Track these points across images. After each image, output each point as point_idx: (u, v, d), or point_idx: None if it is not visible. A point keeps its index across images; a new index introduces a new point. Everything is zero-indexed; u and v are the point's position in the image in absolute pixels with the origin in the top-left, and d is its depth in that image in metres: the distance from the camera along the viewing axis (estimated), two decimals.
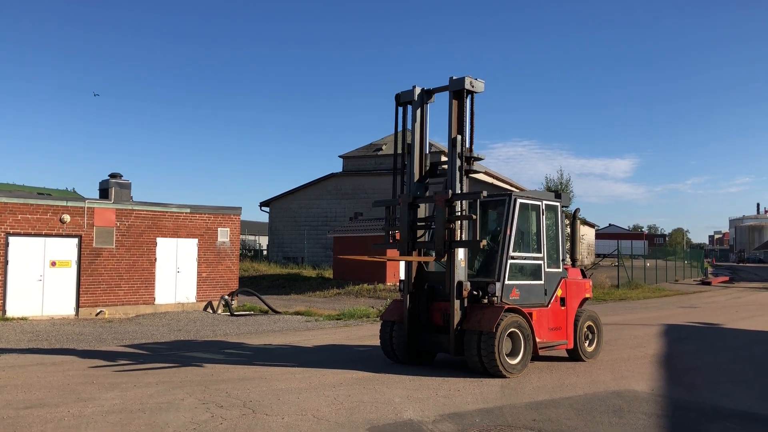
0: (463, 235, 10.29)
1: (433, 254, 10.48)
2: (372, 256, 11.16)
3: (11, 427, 6.69)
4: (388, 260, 10.52)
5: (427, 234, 11.04)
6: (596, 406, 8.05)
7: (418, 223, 10.84)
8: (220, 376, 9.72)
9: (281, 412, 7.50)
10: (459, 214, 10.25)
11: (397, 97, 11.10)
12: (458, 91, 10.49)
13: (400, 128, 11.19)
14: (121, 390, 8.61)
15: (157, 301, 19.92)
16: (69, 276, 18.29)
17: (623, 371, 10.60)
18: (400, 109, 11.17)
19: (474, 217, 9.86)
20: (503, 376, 9.75)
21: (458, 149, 10.37)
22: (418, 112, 10.97)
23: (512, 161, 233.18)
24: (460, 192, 10.28)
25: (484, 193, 10.05)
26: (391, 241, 11.17)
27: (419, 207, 10.85)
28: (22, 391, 8.46)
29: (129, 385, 8.96)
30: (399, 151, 11.22)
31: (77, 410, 7.46)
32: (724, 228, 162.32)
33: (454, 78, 10.48)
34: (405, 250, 10.66)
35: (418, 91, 10.94)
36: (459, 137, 10.42)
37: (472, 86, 10.45)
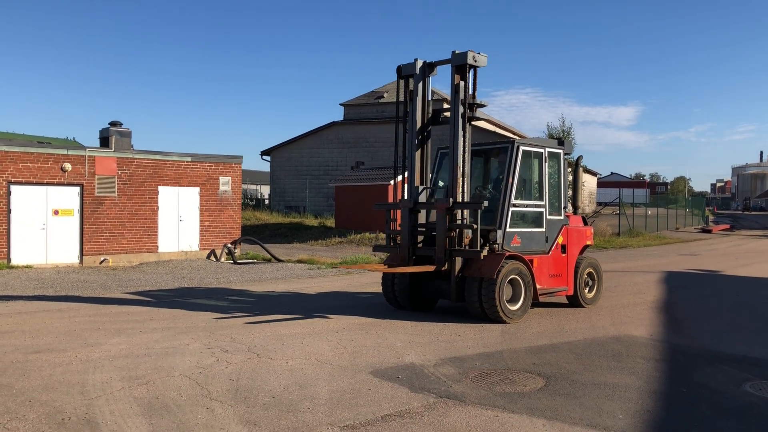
0: (466, 189, 10.21)
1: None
2: (372, 266, 10.99)
3: (21, 371, 6.82)
4: (388, 270, 10.31)
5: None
6: (595, 351, 8.17)
7: (419, 228, 10.75)
8: (225, 321, 9.86)
9: (285, 356, 7.63)
10: (460, 222, 10.19)
11: (399, 69, 10.99)
12: (461, 66, 10.35)
13: (401, 115, 11.08)
14: (127, 336, 8.74)
15: (160, 250, 20.04)
16: (72, 224, 18.36)
17: (623, 317, 10.73)
18: (402, 81, 11.05)
19: (475, 227, 9.86)
20: (504, 322, 9.88)
21: (461, 95, 10.25)
22: (420, 85, 10.88)
23: (515, 109, 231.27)
24: (463, 148, 10.17)
25: (485, 204, 10.01)
26: (392, 244, 11.10)
27: (420, 212, 10.80)
28: (30, 337, 8.59)
29: (134, 331, 9.09)
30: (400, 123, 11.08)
31: (84, 355, 7.59)
32: (727, 176, 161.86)
33: (457, 52, 10.36)
34: (406, 256, 10.59)
35: (420, 64, 10.84)
36: (462, 83, 10.28)
37: (475, 60, 10.32)
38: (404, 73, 10.94)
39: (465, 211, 10.24)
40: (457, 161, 10.17)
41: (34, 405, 5.72)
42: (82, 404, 5.76)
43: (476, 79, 10.44)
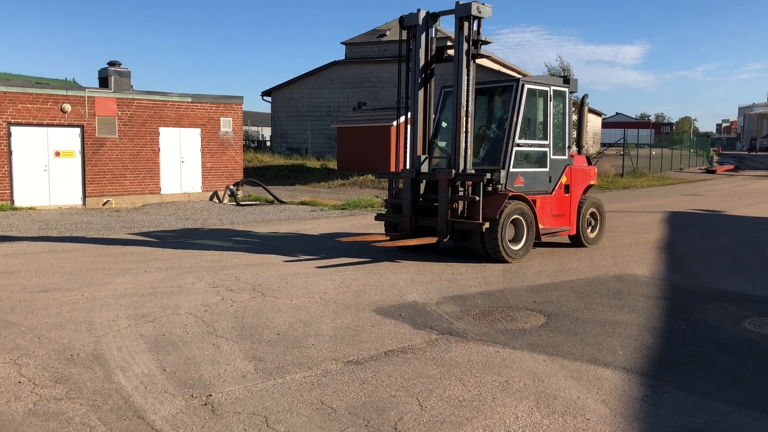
0: (470, 129, 10.10)
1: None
2: (374, 239, 10.84)
3: (29, 309, 6.91)
4: (390, 245, 10.19)
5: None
6: (596, 289, 8.24)
7: (421, 200, 10.60)
8: (229, 261, 9.93)
9: (290, 294, 7.71)
10: (462, 194, 10.04)
11: (401, 20, 10.77)
12: (465, 17, 10.08)
13: (404, 54, 10.87)
14: (132, 275, 8.82)
15: (162, 191, 20.06)
16: (74, 166, 18.32)
17: (624, 256, 10.78)
18: (405, 32, 10.83)
19: (477, 198, 9.73)
20: (506, 262, 9.94)
21: (465, 32, 10.03)
22: (423, 36, 10.63)
23: (519, 48, 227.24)
24: (467, 86, 10.00)
25: (488, 175, 9.88)
26: (392, 212, 10.99)
27: (422, 182, 10.64)
28: (36, 276, 8.68)
29: (139, 270, 9.18)
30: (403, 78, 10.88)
31: (90, 294, 7.67)
32: (733, 117, 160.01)
33: (461, 2, 10.08)
34: (408, 227, 10.48)
35: (423, 14, 10.60)
36: (466, 23, 10.07)
37: (479, 11, 10.06)
38: (407, 23, 10.74)
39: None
40: (461, 101, 10.02)
41: (43, 342, 5.82)
42: (89, 341, 5.85)
43: (480, 28, 10.25)
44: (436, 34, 10.93)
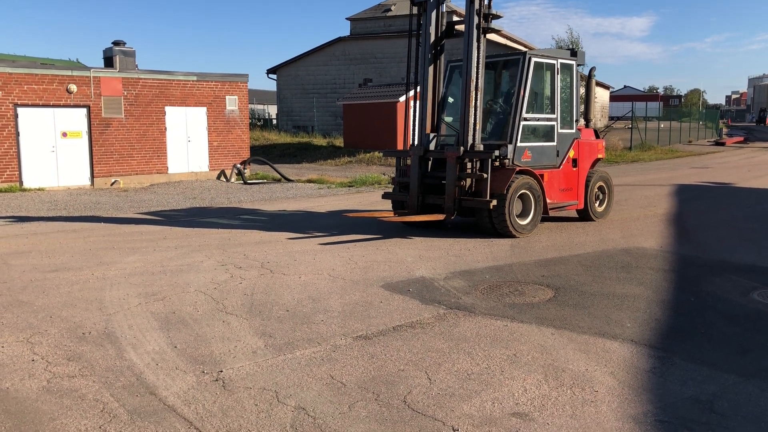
0: (479, 104, 10.03)
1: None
2: (381, 214, 10.85)
3: (40, 289, 6.98)
4: (398, 220, 10.18)
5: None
6: (604, 263, 8.24)
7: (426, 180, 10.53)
8: (237, 239, 9.97)
9: (298, 271, 7.74)
10: (470, 171, 9.96)
11: None
12: None
13: (414, 29, 10.82)
14: (142, 254, 8.87)
15: (170, 171, 20.09)
16: (81, 146, 18.35)
17: (632, 230, 10.75)
18: (415, 9, 10.77)
19: (485, 176, 9.67)
20: (513, 237, 9.93)
21: (476, 5, 9.94)
22: (434, 13, 10.56)
23: (526, 21, 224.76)
24: (477, 60, 9.93)
25: (496, 152, 9.80)
26: (399, 191, 10.92)
27: (430, 160, 10.56)
28: (47, 256, 8.75)
29: (149, 249, 9.23)
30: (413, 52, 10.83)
31: (100, 273, 7.73)
32: (743, 89, 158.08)
33: None
34: (415, 205, 10.42)
35: None
36: None
37: None
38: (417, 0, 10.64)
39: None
40: (471, 75, 9.95)
41: (55, 320, 5.88)
42: (101, 319, 5.91)
43: (491, 2, 10.15)
44: (445, 9, 10.85)
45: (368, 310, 6.17)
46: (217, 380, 4.52)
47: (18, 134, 17.27)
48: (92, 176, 18.54)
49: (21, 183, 17.40)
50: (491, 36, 10.39)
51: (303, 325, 5.73)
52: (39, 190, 17.40)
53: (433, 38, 10.60)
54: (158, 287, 7.05)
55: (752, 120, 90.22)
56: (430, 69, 10.63)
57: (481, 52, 10.04)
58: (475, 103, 9.97)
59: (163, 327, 5.69)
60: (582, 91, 12.48)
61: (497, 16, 10.27)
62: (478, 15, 9.96)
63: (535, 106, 10.78)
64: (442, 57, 10.86)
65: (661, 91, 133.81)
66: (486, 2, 10.06)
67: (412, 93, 11.02)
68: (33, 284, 7.21)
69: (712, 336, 5.45)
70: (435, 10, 10.59)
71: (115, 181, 18.89)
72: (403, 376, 4.59)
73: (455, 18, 11.00)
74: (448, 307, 6.29)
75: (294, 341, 5.31)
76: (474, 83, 9.93)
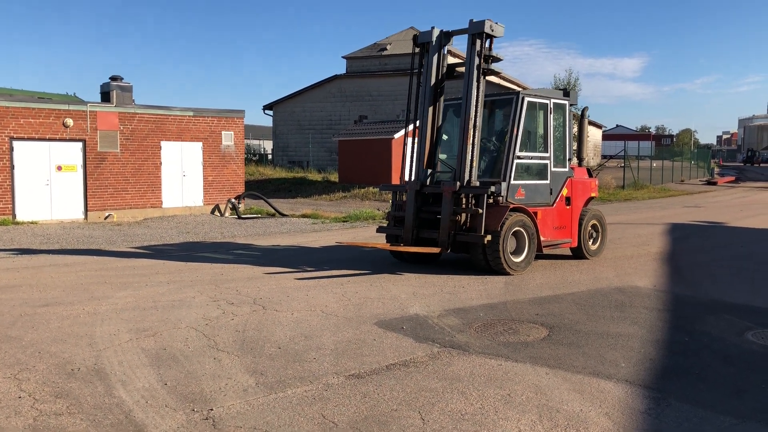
0: (476, 143, 10.12)
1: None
2: (375, 244, 10.94)
3: (30, 324, 6.90)
4: (394, 249, 10.32)
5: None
6: (598, 301, 8.22)
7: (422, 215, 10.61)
8: (230, 275, 9.92)
9: (291, 308, 7.69)
10: (465, 206, 10.06)
11: (415, 38, 10.98)
12: (477, 34, 10.21)
13: (415, 68, 11.03)
14: (134, 289, 8.81)
15: (164, 205, 20.09)
16: (75, 180, 18.36)
17: (626, 268, 10.76)
18: (417, 50, 11.01)
19: (480, 211, 9.76)
20: (507, 274, 9.92)
21: (477, 47, 10.15)
22: (435, 57, 10.78)
23: (519, 61, 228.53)
24: (476, 101, 10.08)
25: (492, 188, 9.92)
26: (394, 224, 11.01)
27: (425, 195, 10.67)
28: (38, 291, 8.67)
29: (141, 284, 9.17)
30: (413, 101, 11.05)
31: (92, 308, 7.66)
32: (733, 128, 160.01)
33: (474, 21, 10.27)
34: (409, 238, 10.48)
35: (436, 33, 10.77)
36: (479, 41, 10.19)
37: (492, 30, 10.25)
38: (420, 41, 10.94)
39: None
40: (470, 114, 10.12)
41: (44, 356, 5.80)
42: (90, 355, 5.84)
43: (492, 46, 10.39)
44: (447, 52, 11.08)
45: (361, 348, 6.11)
46: (207, 419, 4.44)
47: (12, 167, 17.28)
48: (86, 210, 18.51)
49: (14, 216, 17.34)
50: (489, 77, 10.56)
51: (295, 362, 5.67)
52: (32, 223, 17.33)
53: (434, 80, 10.79)
54: (149, 323, 6.98)
55: (743, 160, 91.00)
56: (430, 109, 10.83)
57: (481, 92, 10.22)
58: (473, 141, 10.10)
59: (153, 363, 5.61)
60: (575, 130, 12.60)
61: (498, 59, 10.47)
62: (479, 56, 10.17)
63: (529, 144, 10.89)
64: (441, 98, 11.05)
65: (653, 130, 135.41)
66: (487, 45, 10.28)
67: (409, 128, 11.13)
68: (22, 319, 7.13)
69: (707, 376, 5.41)
70: (437, 53, 10.79)
71: (109, 215, 18.85)
72: (396, 416, 4.53)
73: (450, 60, 11.15)
74: (442, 345, 6.24)
75: (286, 379, 5.24)
76: (473, 122, 10.07)
